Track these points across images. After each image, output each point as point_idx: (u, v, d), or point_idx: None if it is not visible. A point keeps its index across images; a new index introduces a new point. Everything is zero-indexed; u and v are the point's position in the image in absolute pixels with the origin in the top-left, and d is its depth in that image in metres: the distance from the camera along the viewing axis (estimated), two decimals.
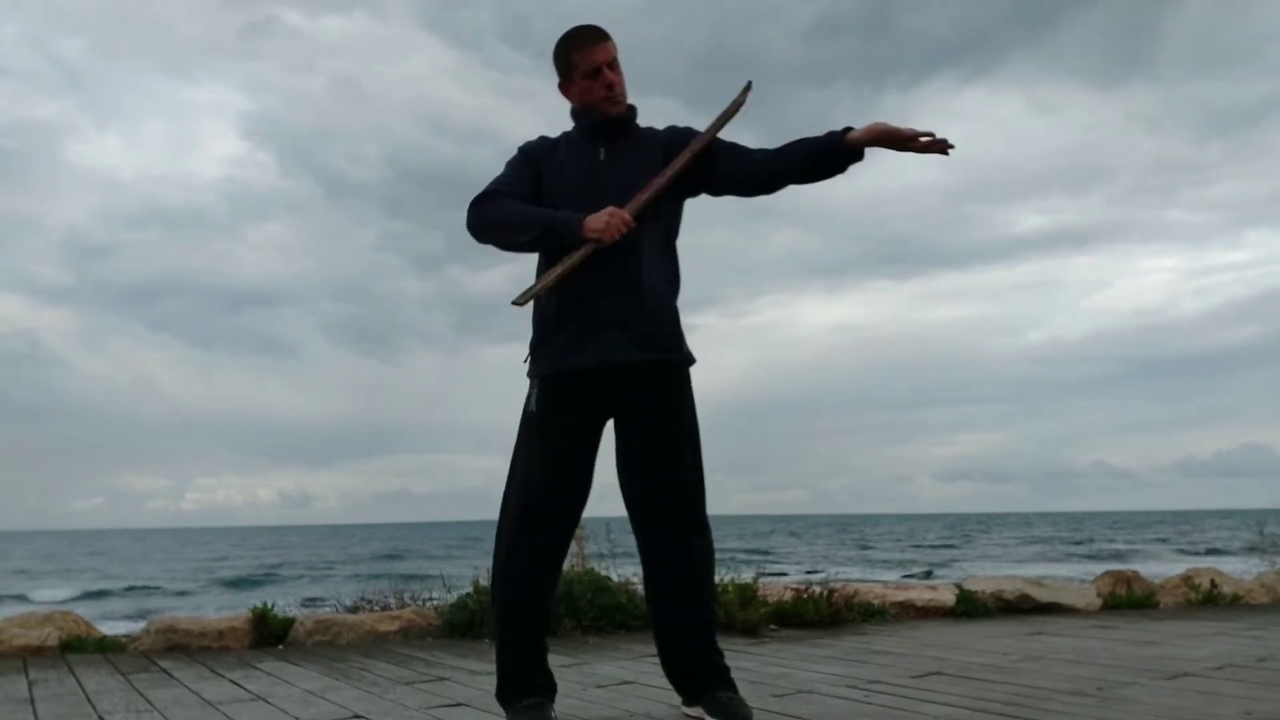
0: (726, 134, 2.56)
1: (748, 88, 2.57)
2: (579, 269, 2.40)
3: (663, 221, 2.57)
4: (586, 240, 2.38)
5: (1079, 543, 42.83)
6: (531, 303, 2.59)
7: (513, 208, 2.50)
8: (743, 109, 2.57)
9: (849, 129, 2.38)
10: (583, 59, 2.52)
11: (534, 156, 2.60)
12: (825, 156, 2.42)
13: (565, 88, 2.60)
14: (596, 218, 2.38)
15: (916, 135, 2.34)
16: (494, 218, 2.51)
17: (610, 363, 2.45)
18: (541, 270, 2.54)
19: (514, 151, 2.64)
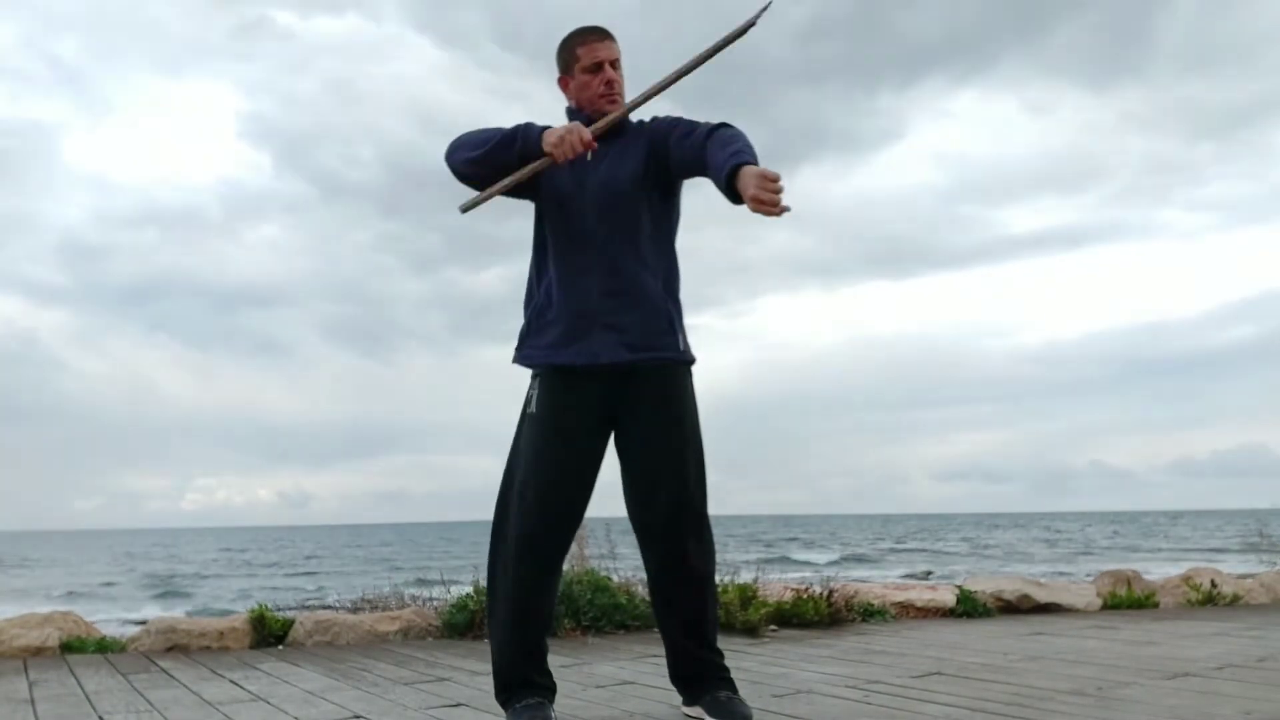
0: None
1: (763, 10, 2.39)
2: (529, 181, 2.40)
3: (658, 217, 2.56)
4: (543, 153, 2.39)
5: (1078, 543, 42.83)
6: (526, 294, 2.59)
7: (481, 130, 2.51)
8: (750, 32, 2.40)
9: (740, 165, 2.22)
10: (586, 53, 2.53)
11: None
12: (717, 184, 2.31)
13: (564, 81, 2.60)
14: (553, 131, 2.38)
15: (758, 196, 2.15)
16: (464, 140, 2.52)
17: (600, 363, 2.46)
18: (537, 243, 2.58)
19: None
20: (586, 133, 2.38)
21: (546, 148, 2.37)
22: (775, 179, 2.13)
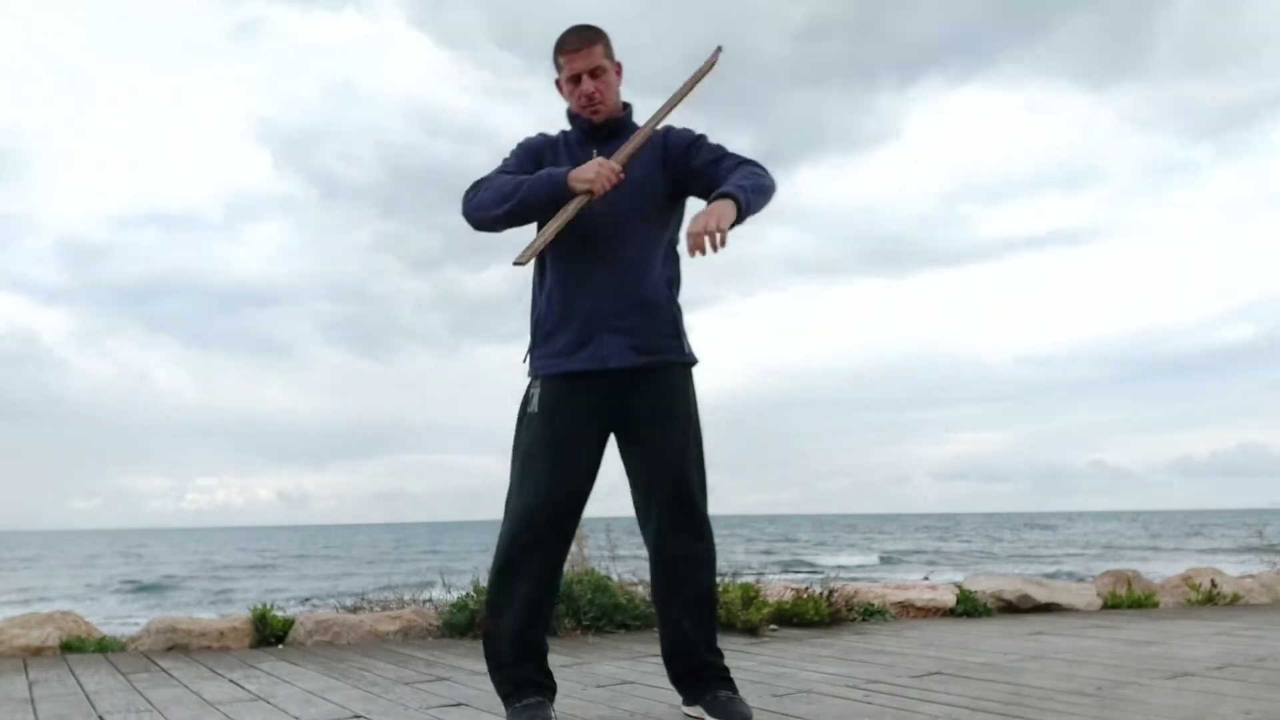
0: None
1: (717, 52, 2.64)
2: (573, 226, 2.40)
3: (662, 222, 2.58)
4: (576, 193, 2.38)
5: (1078, 542, 42.83)
6: (530, 304, 2.60)
7: (501, 179, 2.50)
8: (713, 70, 2.65)
9: (728, 195, 2.34)
10: (565, 63, 2.53)
11: (535, 151, 2.60)
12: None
13: (558, 85, 2.60)
14: (585, 168, 2.38)
15: (693, 229, 2.27)
16: (480, 199, 2.50)
17: (608, 367, 2.46)
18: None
19: (512, 147, 2.65)
20: (615, 164, 2.40)
21: (581, 186, 2.37)
22: (719, 229, 2.23)
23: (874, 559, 33.77)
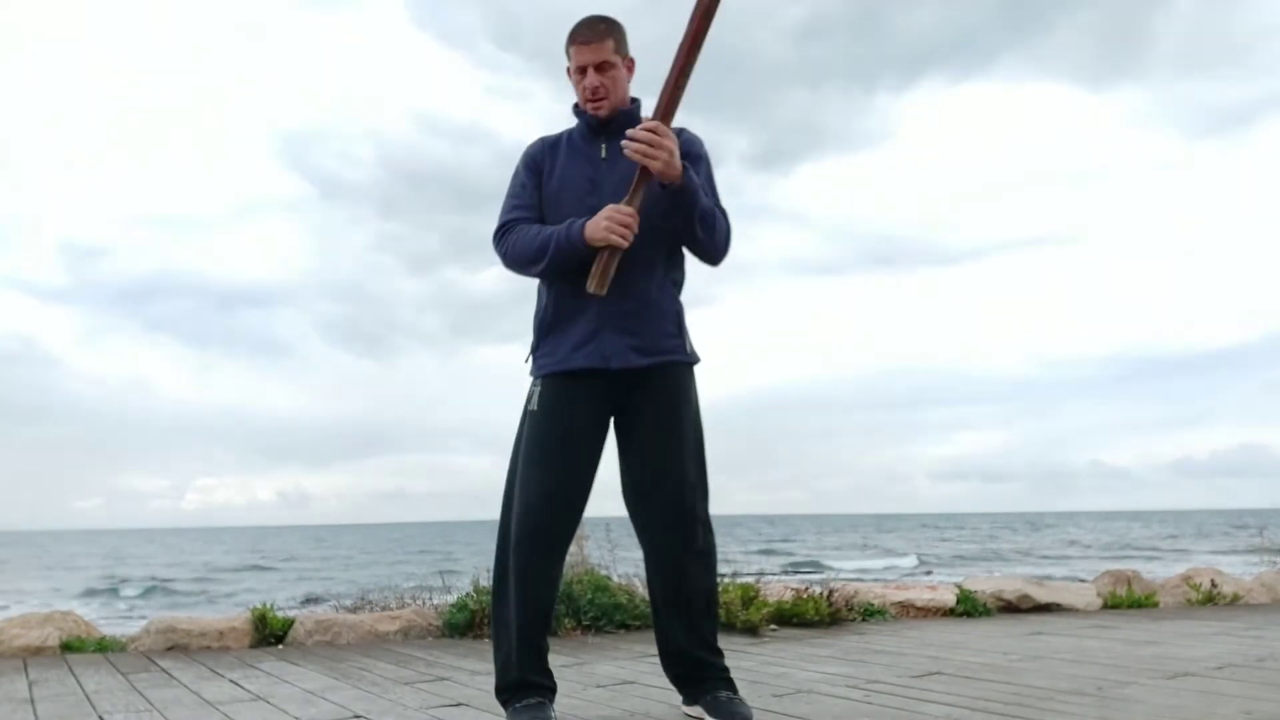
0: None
1: None
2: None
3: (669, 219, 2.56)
4: (591, 245, 2.37)
5: (1078, 543, 42.86)
6: (536, 303, 2.60)
7: (524, 240, 2.48)
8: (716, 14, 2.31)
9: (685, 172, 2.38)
10: (574, 54, 2.51)
11: (536, 162, 2.59)
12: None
13: (569, 73, 2.58)
14: (595, 226, 2.35)
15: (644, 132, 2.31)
16: (513, 256, 2.51)
17: (610, 367, 2.46)
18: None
19: (516, 156, 2.64)
20: (625, 214, 2.34)
21: (599, 241, 2.35)
22: (662, 143, 2.27)
23: (912, 561, 32.93)
